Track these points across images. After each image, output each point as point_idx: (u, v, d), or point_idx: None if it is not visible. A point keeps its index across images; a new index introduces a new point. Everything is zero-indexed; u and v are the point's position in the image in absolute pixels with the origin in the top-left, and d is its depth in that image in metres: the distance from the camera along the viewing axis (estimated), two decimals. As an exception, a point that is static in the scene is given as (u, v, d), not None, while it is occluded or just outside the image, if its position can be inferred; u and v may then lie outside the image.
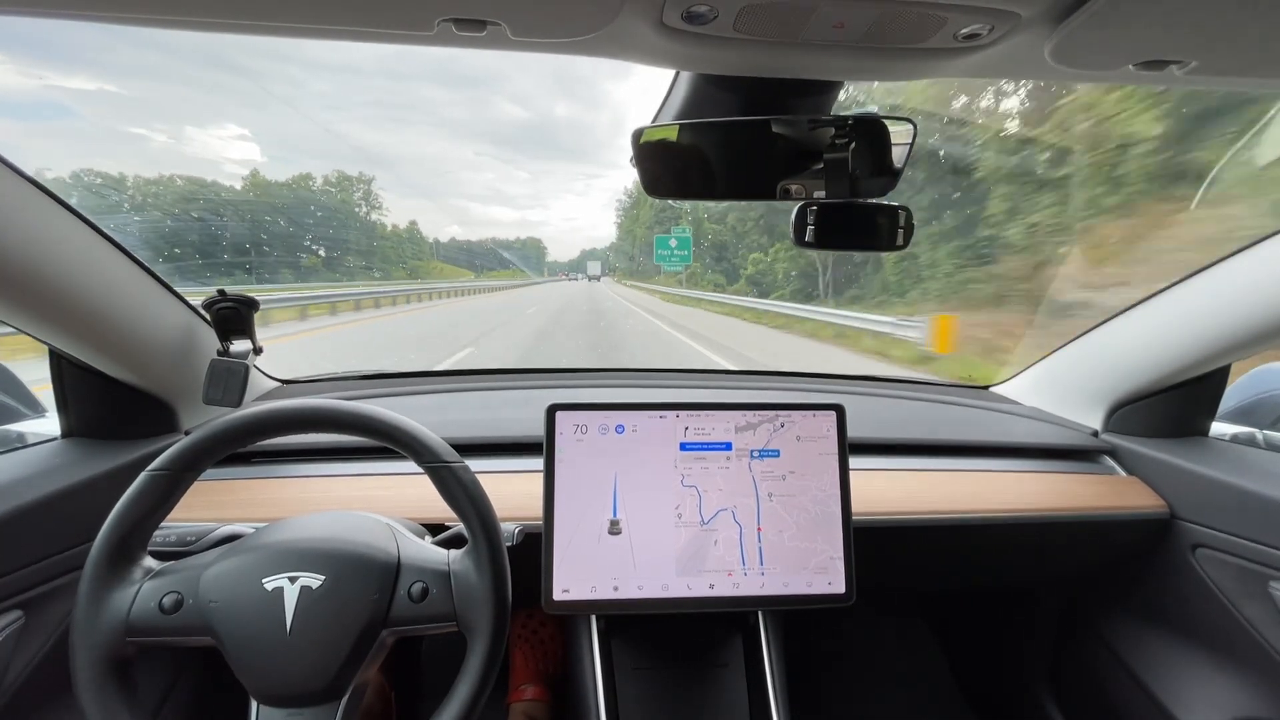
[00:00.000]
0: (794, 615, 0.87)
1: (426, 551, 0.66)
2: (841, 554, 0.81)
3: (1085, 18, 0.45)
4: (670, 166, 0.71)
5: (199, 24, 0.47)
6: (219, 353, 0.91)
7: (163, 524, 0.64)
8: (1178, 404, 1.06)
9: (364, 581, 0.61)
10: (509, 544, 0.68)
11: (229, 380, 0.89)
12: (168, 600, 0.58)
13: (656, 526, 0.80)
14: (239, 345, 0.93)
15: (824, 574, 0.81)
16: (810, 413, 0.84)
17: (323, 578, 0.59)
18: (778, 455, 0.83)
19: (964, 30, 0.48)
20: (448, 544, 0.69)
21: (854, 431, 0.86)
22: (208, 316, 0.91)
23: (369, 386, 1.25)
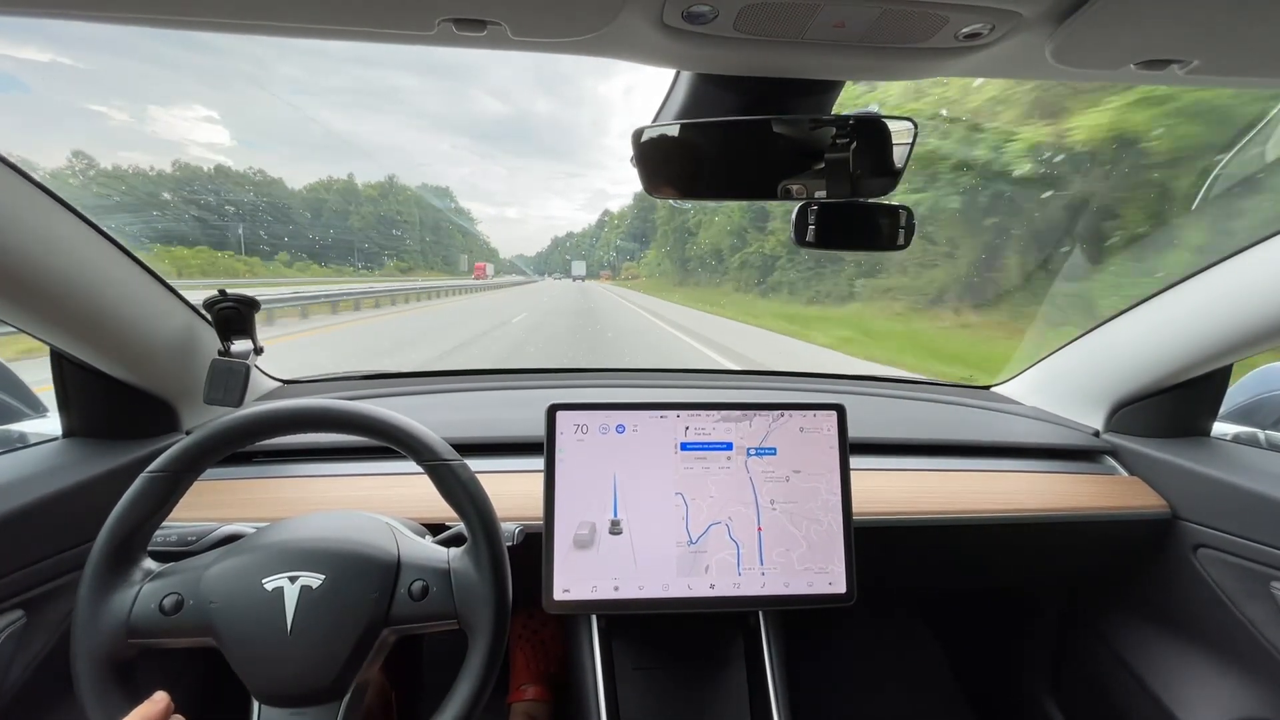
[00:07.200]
0: (795, 615, 0.87)
1: (426, 549, 0.66)
2: (842, 554, 0.81)
3: (1086, 17, 0.45)
4: (671, 166, 0.71)
5: (199, 24, 0.47)
6: (220, 353, 0.91)
7: (164, 524, 0.64)
8: (1179, 404, 1.05)
9: (364, 580, 0.61)
10: (510, 544, 0.68)
11: (229, 380, 0.89)
12: (168, 601, 0.58)
13: (657, 526, 0.80)
14: (240, 345, 0.93)
15: (825, 574, 0.81)
16: (811, 412, 0.84)
17: (323, 577, 0.59)
18: (775, 453, 0.83)
19: (965, 30, 0.48)
20: (448, 543, 0.69)
21: (855, 431, 0.86)
22: (208, 316, 0.91)
23: (370, 386, 1.25)
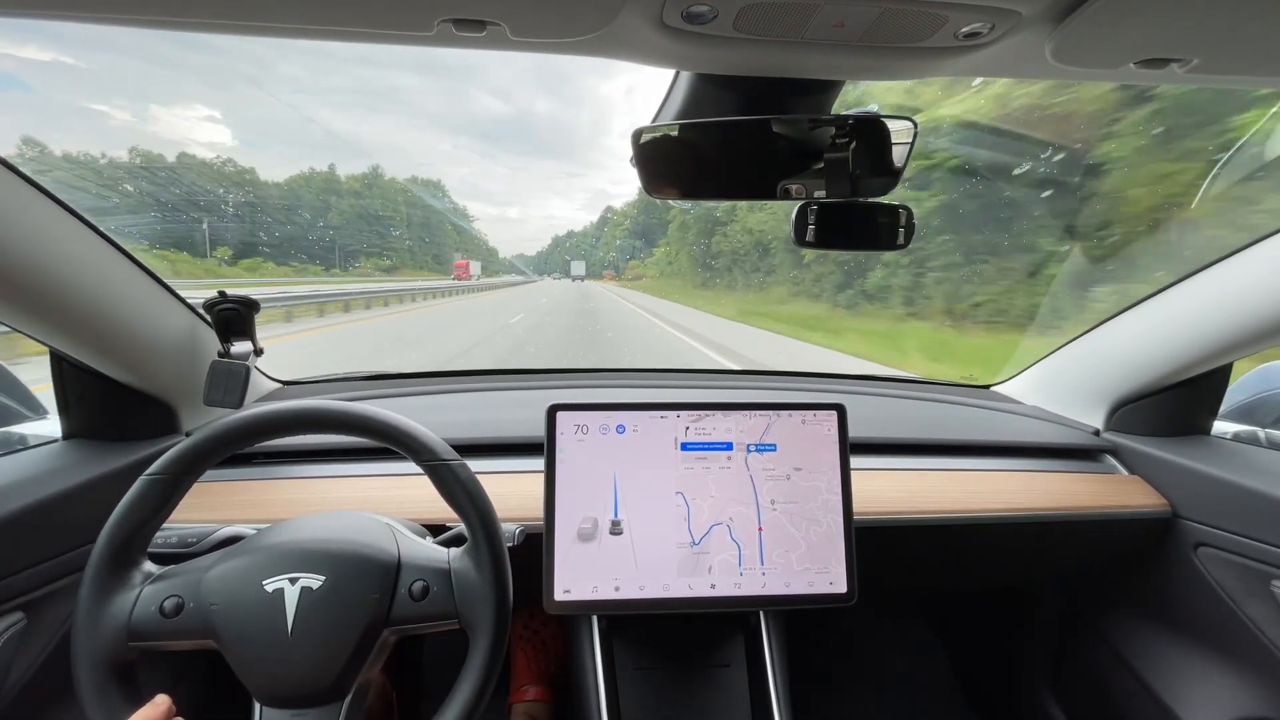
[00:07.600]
0: (796, 615, 0.87)
1: (426, 549, 0.66)
2: (843, 554, 0.81)
3: (1086, 16, 0.45)
4: (670, 166, 0.71)
5: (199, 24, 0.47)
6: (220, 354, 0.91)
7: (164, 526, 0.64)
8: (1179, 403, 1.05)
9: (364, 581, 0.60)
10: (510, 544, 0.68)
11: (229, 381, 0.89)
12: (169, 604, 0.58)
13: (658, 526, 0.80)
14: (239, 347, 0.93)
15: (825, 574, 0.81)
16: (811, 412, 0.84)
17: (323, 578, 0.59)
18: (775, 450, 0.83)
19: (965, 29, 0.48)
20: (448, 544, 0.69)
21: (855, 431, 0.86)
22: (209, 318, 0.91)
23: (370, 387, 1.25)
